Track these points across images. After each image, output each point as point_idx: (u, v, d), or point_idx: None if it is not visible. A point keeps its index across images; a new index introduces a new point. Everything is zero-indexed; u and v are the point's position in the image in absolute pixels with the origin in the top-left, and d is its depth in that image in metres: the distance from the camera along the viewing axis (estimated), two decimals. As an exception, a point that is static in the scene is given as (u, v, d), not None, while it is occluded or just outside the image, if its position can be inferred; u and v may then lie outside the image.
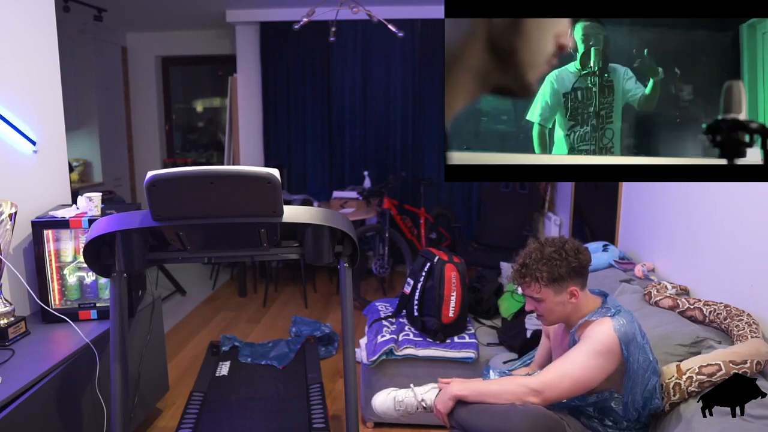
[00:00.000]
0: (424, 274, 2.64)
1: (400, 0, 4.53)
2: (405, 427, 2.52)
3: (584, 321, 1.61)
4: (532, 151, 1.29)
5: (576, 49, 1.24)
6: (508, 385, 1.59)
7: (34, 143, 2.22)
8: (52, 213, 2.18)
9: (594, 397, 1.60)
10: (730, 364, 1.53)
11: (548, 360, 1.84)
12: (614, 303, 1.64)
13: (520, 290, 1.69)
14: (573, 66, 1.25)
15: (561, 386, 1.53)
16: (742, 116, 1.18)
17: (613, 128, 1.27)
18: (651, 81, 1.25)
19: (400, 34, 3.60)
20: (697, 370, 1.57)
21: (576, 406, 1.64)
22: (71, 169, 4.53)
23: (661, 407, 1.58)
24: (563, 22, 1.13)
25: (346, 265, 1.79)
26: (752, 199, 1.85)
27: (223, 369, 2.86)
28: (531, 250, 1.63)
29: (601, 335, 1.53)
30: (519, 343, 2.43)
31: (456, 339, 2.53)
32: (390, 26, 3.53)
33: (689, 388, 1.56)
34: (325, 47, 4.89)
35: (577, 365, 1.53)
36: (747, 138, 1.17)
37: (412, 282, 2.69)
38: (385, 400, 1.77)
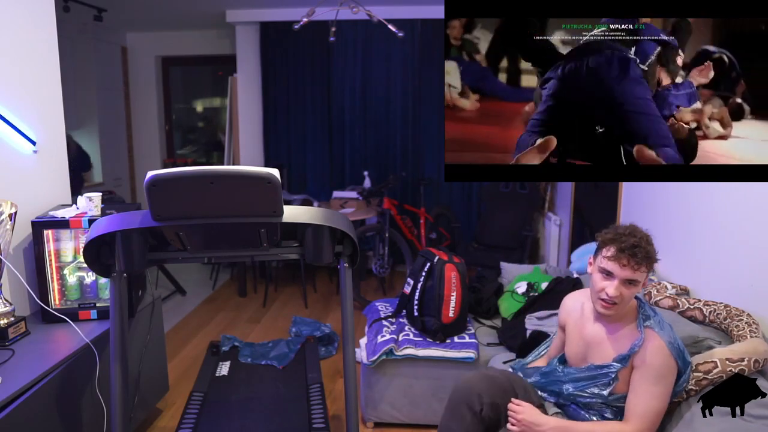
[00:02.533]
0: (424, 274, 2.64)
1: (400, 0, 4.53)
2: (405, 427, 2.53)
3: (639, 343, 1.57)
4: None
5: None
6: (603, 428, 1.60)
7: (34, 143, 2.22)
8: (52, 213, 2.18)
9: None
10: (727, 362, 1.54)
11: (561, 351, 1.83)
12: (648, 305, 1.65)
13: (611, 268, 1.55)
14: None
15: (652, 421, 1.54)
16: None
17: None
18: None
19: (400, 34, 3.60)
20: (693, 367, 1.57)
21: (581, 402, 1.68)
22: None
23: None
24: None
25: (346, 265, 1.79)
26: (752, 199, 1.85)
27: (223, 369, 2.86)
28: (633, 230, 1.56)
29: (659, 360, 1.53)
30: (518, 343, 2.43)
31: (456, 339, 2.53)
32: (390, 26, 3.53)
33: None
34: (325, 47, 4.89)
35: (654, 397, 1.54)
36: None
37: (412, 282, 2.69)
38: None
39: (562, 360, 1.83)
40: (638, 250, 1.52)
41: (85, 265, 1.99)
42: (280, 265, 4.97)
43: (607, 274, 1.56)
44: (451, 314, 2.54)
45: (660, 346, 1.54)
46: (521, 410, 1.65)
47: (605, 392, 1.61)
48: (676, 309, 1.99)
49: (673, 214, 2.46)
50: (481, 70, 1.55)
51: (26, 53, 2.22)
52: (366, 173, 4.86)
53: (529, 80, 1.52)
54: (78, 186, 4.65)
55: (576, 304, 1.79)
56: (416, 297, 2.63)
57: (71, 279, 2.18)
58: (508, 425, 1.66)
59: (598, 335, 1.67)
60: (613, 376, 1.59)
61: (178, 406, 2.63)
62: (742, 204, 1.91)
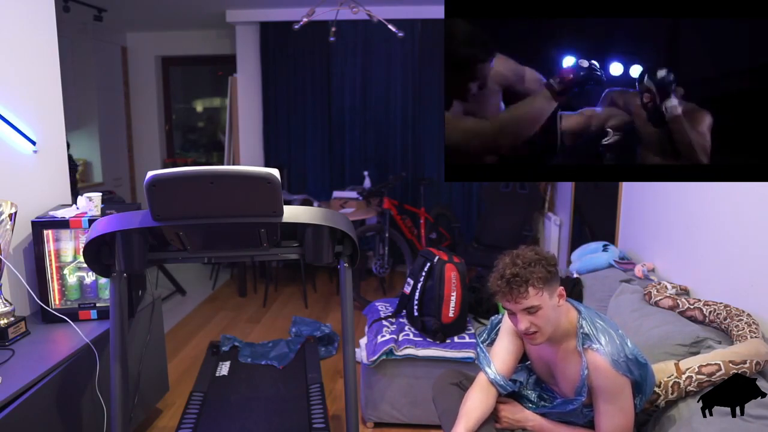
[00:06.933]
0: (424, 274, 2.64)
1: (400, 0, 4.53)
2: (405, 427, 2.53)
3: (585, 369, 1.55)
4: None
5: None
6: None
7: (34, 143, 2.22)
8: (52, 213, 2.18)
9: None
10: (730, 364, 1.53)
11: (515, 365, 1.74)
12: (589, 316, 1.59)
13: (506, 307, 1.56)
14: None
15: None
16: None
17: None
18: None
19: (400, 34, 3.60)
20: (696, 369, 1.57)
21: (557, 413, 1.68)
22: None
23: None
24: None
25: (346, 265, 1.79)
26: (752, 199, 1.85)
27: (223, 369, 2.86)
28: (514, 258, 1.53)
29: (606, 381, 1.52)
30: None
31: (456, 339, 2.53)
32: (390, 26, 3.53)
33: (688, 387, 1.56)
34: (325, 47, 4.89)
35: (615, 415, 1.53)
36: None
37: (412, 282, 2.69)
38: None
39: (529, 371, 1.79)
40: (514, 281, 1.48)
41: (85, 265, 1.99)
42: (280, 265, 4.97)
43: (511, 313, 1.57)
44: (451, 314, 2.54)
45: (602, 368, 1.50)
46: (505, 408, 1.69)
47: (581, 419, 1.63)
48: (676, 309, 1.99)
49: (673, 214, 2.46)
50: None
51: (26, 53, 2.22)
52: (366, 173, 4.86)
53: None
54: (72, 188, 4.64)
55: None
56: (416, 297, 2.63)
57: (71, 279, 2.18)
58: (495, 424, 1.68)
59: (553, 358, 1.65)
60: (581, 405, 1.59)
61: (178, 406, 2.63)
62: (742, 204, 1.91)
